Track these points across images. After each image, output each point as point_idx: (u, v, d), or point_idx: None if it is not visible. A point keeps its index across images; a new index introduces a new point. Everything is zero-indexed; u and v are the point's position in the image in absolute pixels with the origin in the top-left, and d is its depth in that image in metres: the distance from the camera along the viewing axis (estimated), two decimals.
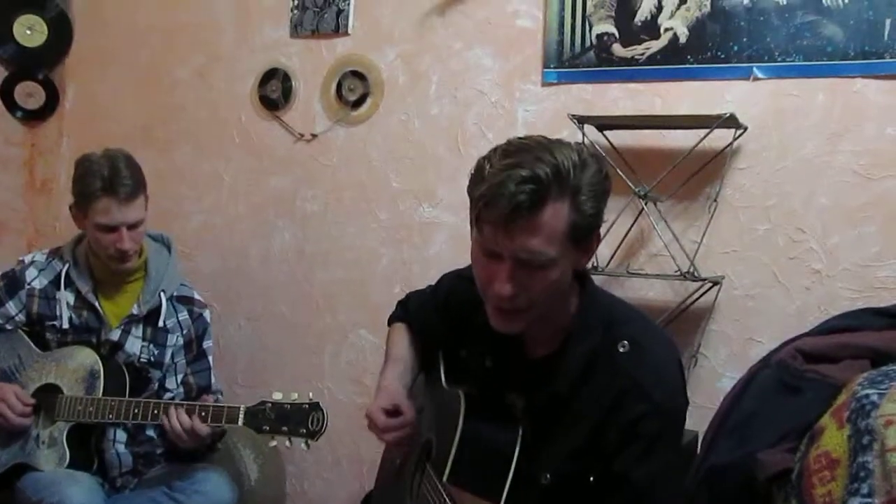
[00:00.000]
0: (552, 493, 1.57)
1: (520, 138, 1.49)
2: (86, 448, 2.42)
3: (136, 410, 2.30)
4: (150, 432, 2.53)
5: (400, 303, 2.10)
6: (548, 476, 1.57)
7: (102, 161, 2.38)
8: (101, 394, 2.36)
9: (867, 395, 1.64)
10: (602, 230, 1.55)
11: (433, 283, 2.04)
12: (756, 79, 2.37)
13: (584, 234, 1.49)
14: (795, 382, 1.89)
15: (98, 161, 2.39)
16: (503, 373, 1.70)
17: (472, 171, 1.49)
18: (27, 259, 2.57)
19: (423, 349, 1.99)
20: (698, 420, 2.33)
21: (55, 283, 2.50)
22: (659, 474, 1.51)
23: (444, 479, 1.59)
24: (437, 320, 1.92)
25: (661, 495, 1.52)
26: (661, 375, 1.55)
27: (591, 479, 1.53)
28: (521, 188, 1.38)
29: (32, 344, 2.48)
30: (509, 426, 1.61)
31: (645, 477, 1.50)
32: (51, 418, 2.40)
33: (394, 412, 1.78)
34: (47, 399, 2.42)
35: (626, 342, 1.56)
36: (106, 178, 2.35)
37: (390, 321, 2.09)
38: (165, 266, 2.59)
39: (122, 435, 2.49)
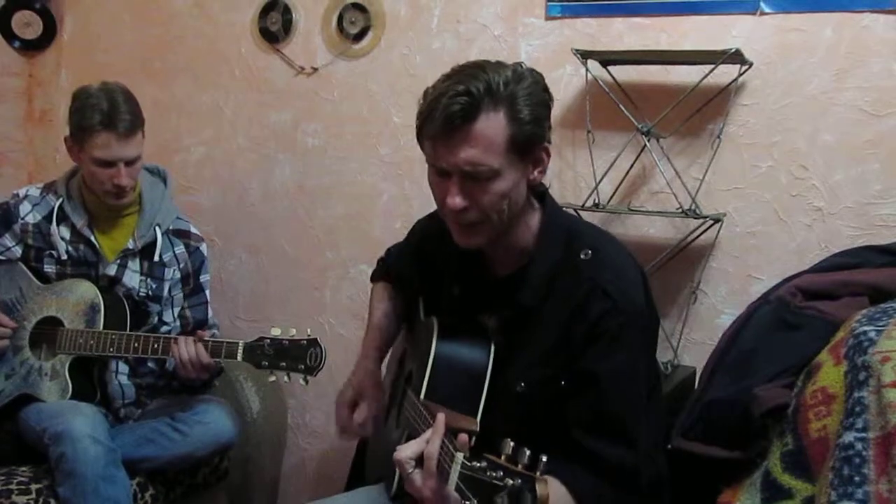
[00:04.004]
0: (527, 400, 1.63)
1: (464, 63, 1.58)
2: (88, 380, 2.45)
3: (136, 344, 2.32)
4: (152, 364, 2.55)
5: (380, 260, 2.18)
6: (522, 384, 1.63)
7: (101, 95, 2.36)
8: (101, 327, 2.38)
9: (865, 332, 1.65)
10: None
11: None
12: (762, 13, 2.33)
13: (527, 145, 1.55)
14: (794, 319, 1.90)
15: (96, 94, 2.36)
16: (472, 297, 1.76)
17: (420, 99, 1.58)
18: (21, 193, 2.55)
19: (404, 298, 2.06)
20: (697, 356, 2.35)
21: (49, 218, 2.49)
22: (622, 370, 1.56)
23: (422, 396, 1.64)
24: (413, 266, 1.99)
25: (624, 391, 1.57)
26: (620, 277, 1.61)
27: (563, 382, 1.59)
28: (453, 100, 1.48)
29: (33, 277, 2.49)
30: (482, 343, 1.68)
31: (608, 372, 1.55)
32: (52, 351, 2.42)
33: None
34: (48, 332, 2.43)
35: (588, 251, 1.63)
36: (105, 113, 2.33)
37: (373, 278, 2.17)
38: (160, 199, 2.57)
39: (123, 367, 2.51)
